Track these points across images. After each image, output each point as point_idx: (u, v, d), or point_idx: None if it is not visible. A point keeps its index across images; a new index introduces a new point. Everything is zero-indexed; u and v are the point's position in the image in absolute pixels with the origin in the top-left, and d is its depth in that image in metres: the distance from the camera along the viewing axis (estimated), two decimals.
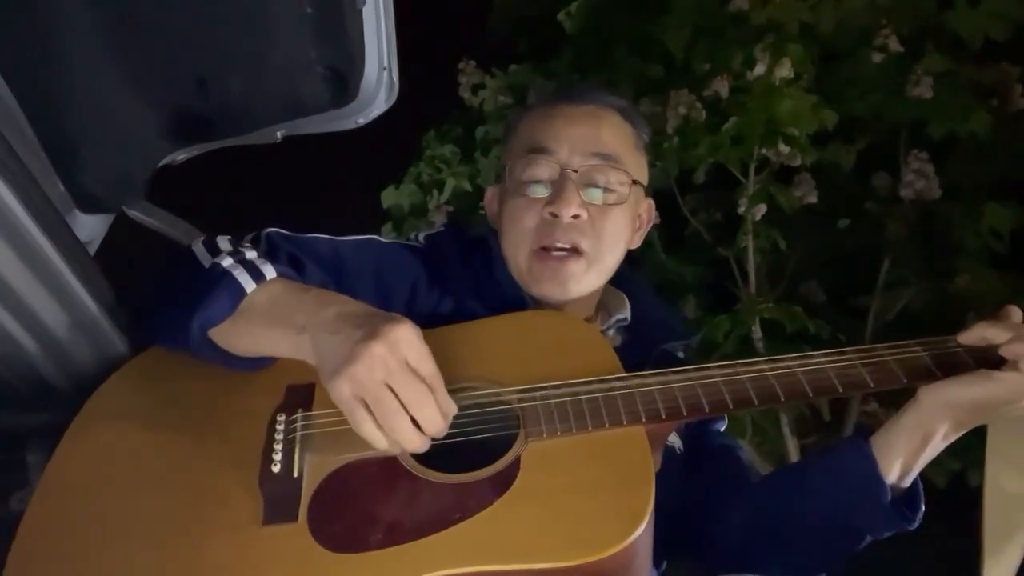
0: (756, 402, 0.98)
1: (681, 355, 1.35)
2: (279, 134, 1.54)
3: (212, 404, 1.02)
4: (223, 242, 1.06)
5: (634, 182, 1.22)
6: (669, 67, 3.30)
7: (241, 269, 0.97)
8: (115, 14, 1.26)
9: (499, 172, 1.28)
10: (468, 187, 3.69)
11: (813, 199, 3.07)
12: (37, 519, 0.92)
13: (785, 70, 2.82)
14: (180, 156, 1.55)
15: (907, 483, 1.05)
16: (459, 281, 1.20)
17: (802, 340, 2.82)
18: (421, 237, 1.27)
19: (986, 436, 1.09)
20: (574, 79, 3.38)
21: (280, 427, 0.97)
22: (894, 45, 2.99)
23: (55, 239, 1.07)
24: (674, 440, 1.20)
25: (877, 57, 3.01)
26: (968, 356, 1.00)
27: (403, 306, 1.15)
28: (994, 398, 0.96)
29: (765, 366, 1.00)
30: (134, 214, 1.48)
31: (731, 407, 0.98)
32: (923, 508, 1.05)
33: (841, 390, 0.98)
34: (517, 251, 1.21)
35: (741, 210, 3.02)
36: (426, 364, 0.87)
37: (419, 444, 0.87)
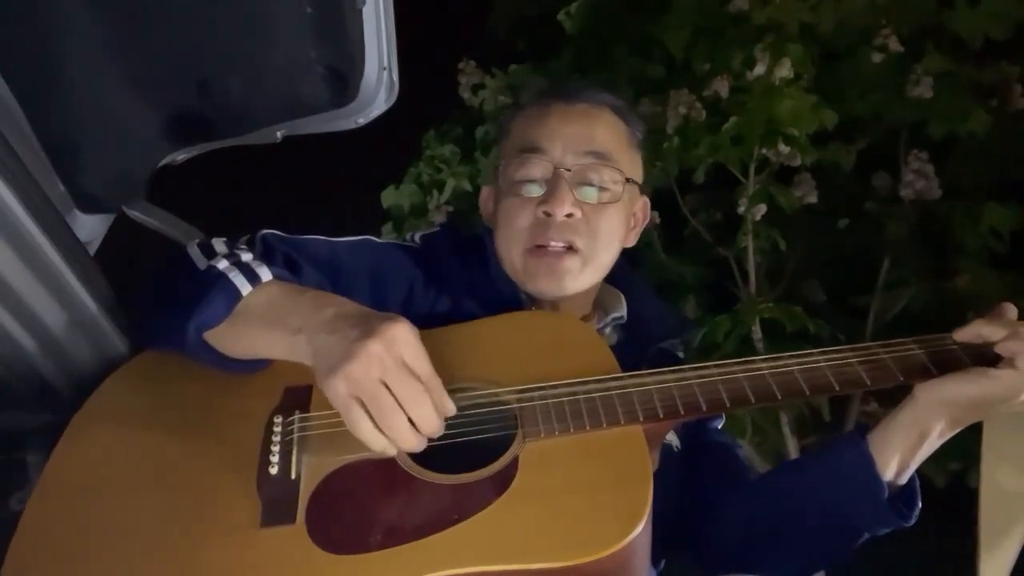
0: (753, 401, 0.98)
1: (681, 354, 1.36)
2: (279, 134, 1.54)
3: (209, 406, 1.02)
4: (218, 244, 1.06)
5: (628, 180, 1.22)
6: (669, 67, 3.30)
7: (236, 271, 0.97)
8: (115, 14, 1.26)
9: (493, 172, 1.28)
10: (468, 187, 3.69)
11: (813, 199, 3.08)
12: (34, 520, 0.92)
13: (785, 70, 2.82)
14: (180, 156, 1.55)
15: (904, 480, 1.05)
16: (455, 281, 1.20)
17: (802, 340, 2.82)
18: (417, 237, 1.27)
19: (982, 433, 1.09)
20: (573, 79, 3.38)
21: (277, 429, 0.97)
22: (894, 45, 2.99)
23: (55, 239, 1.07)
24: (672, 439, 1.20)
25: (877, 57, 3.02)
26: (964, 353, 1.00)
27: (400, 306, 1.15)
28: (990, 395, 0.97)
29: (762, 365, 1.00)
30: (134, 214, 1.49)
31: (728, 406, 0.98)
32: (920, 505, 1.05)
33: (838, 388, 0.99)
34: (511, 250, 1.21)
35: (741, 210, 3.02)
36: (422, 363, 0.87)
37: (415, 443, 0.87)
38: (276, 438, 0.96)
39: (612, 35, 3.46)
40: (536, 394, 0.98)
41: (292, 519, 0.89)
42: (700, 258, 3.46)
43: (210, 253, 1.03)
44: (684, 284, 3.44)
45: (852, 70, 3.11)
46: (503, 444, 0.95)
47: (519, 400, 0.98)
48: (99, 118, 1.36)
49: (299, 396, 1.00)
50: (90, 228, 1.48)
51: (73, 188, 1.41)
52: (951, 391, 0.98)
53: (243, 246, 1.08)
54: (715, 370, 1.00)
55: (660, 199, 3.26)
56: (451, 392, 0.92)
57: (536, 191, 1.19)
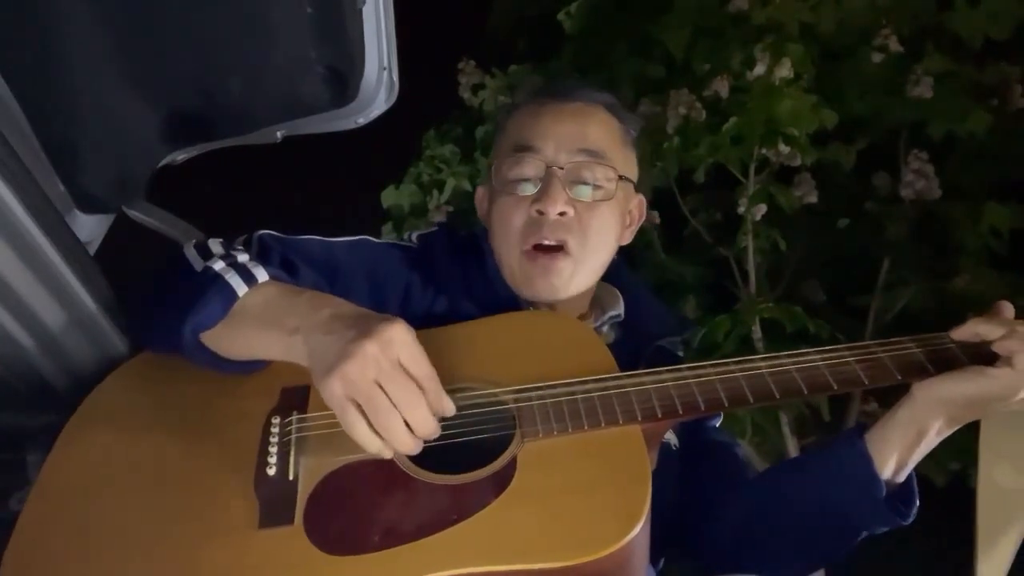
0: (752, 400, 0.98)
1: (680, 353, 1.36)
2: (279, 134, 1.54)
3: (207, 406, 1.02)
4: (215, 245, 1.06)
5: (621, 178, 1.22)
6: (669, 67, 3.31)
7: (233, 272, 0.97)
8: (115, 14, 1.26)
9: (488, 171, 1.28)
10: (468, 187, 3.69)
11: (813, 199, 3.08)
12: (32, 521, 0.92)
13: (785, 70, 2.82)
14: (180, 156, 1.55)
15: (902, 478, 1.05)
16: (453, 281, 1.20)
17: (802, 340, 2.82)
18: (414, 237, 1.27)
19: (980, 432, 1.09)
20: (573, 79, 3.38)
21: (275, 430, 0.97)
22: (894, 45, 2.99)
23: (55, 239, 1.07)
24: (670, 438, 1.20)
25: (877, 57, 3.02)
26: (961, 352, 1.00)
27: (397, 307, 1.15)
28: (987, 394, 0.97)
29: (760, 364, 1.01)
30: (134, 214, 1.49)
31: (727, 405, 0.98)
32: (917, 503, 1.05)
33: (836, 387, 0.99)
34: (509, 252, 1.21)
35: (741, 210, 3.02)
36: (419, 365, 0.87)
37: (410, 446, 0.87)
38: (274, 439, 0.96)
39: (612, 35, 3.46)
40: (534, 394, 0.98)
41: (290, 520, 0.89)
42: (700, 258, 3.46)
43: (206, 254, 1.03)
44: (684, 284, 3.44)
45: (852, 70, 3.11)
46: (501, 444, 0.95)
47: (517, 400, 0.98)
48: (99, 118, 1.36)
49: (297, 397, 1.00)
50: (90, 228, 1.48)
51: (73, 188, 1.41)
52: (949, 390, 0.98)
53: (239, 247, 1.08)
54: (713, 370, 1.00)
55: (660, 199, 3.27)
56: (449, 392, 0.92)
57: (530, 190, 1.19)
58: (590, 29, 3.51)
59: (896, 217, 3.12)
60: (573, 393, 0.98)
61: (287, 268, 1.06)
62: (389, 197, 3.93)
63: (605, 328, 1.29)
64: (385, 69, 1.45)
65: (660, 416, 0.96)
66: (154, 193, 1.53)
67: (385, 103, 1.51)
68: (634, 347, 1.23)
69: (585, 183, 1.19)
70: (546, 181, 1.18)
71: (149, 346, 1.10)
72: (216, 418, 1.01)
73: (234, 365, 1.01)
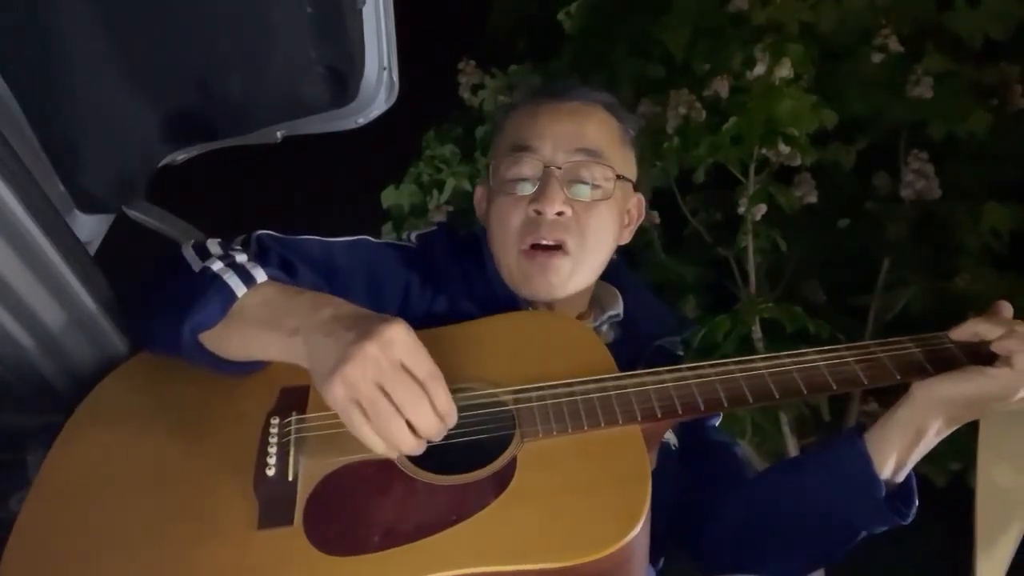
0: (751, 400, 0.98)
1: (680, 352, 1.36)
2: (279, 134, 1.54)
3: (206, 407, 1.02)
4: (213, 245, 1.06)
5: (619, 177, 1.22)
6: (669, 67, 3.30)
7: (231, 273, 0.97)
8: (115, 14, 1.26)
9: (486, 170, 1.28)
10: (468, 187, 3.70)
11: (813, 199, 3.08)
12: (31, 522, 0.92)
13: (785, 70, 2.83)
14: (180, 156, 1.55)
15: (901, 478, 1.05)
16: (452, 281, 1.20)
17: (802, 340, 2.82)
18: (413, 237, 1.27)
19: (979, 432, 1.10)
20: (572, 78, 3.39)
21: (274, 430, 0.97)
22: (894, 45, 3.00)
23: (55, 239, 1.07)
24: (670, 437, 1.20)
25: (877, 57, 3.02)
26: (960, 352, 1.00)
27: (396, 307, 1.15)
28: (986, 394, 0.97)
29: (760, 364, 1.01)
30: (134, 214, 1.49)
31: (726, 405, 0.98)
32: (917, 503, 1.06)
33: (835, 387, 0.99)
34: (506, 252, 1.21)
35: (741, 210, 3.02)
36: (420, 364, 0.87)
37: (414, 447, 0.87)
38: (273, 439, 0.96)
39: (612, 35, 3.46)
40: (534, 394, 0.98)
41: (290, 520, 0.89)
42: (700, 258, 3.46)
43: (205, 254, 1.03)
44: (684, 284, 3.44)
45: (852, 70, 3.11)
46: (501, 445, 0.95)
47: (517, 400, 0.98)
48: (99, 118, 1.36)
49: (296, 397, 1.00)
50: (90, 228, 1.48)
51: (73, 188, 1.41)
52: (948, 389, 0.98)
53: (238, 247, 1.07)
54: (713, 370, 1.01)
55: (660, 199, 3.27)
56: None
57: (528, 189, 1.19)
58: (590, 29, 3.51)
59: (896, 217, 3.12)
60: (573, 393, 0.98)
61: (286, 268, 1.06)
62: (389, 197, 3.93)
63: (604, 328, 1.29)
64: (385, 69, 1.45)
65: (660, 416, 0.96)
66: (154, 193, 1.53)
67: (385, 103, 1.51)
68: (634, 347, 1.23)
69: (583, 183, 1.19)
70: (544, 181, 1.18)
71: (148, 346, 1.10)
72: (215, 418, 1.01)
73: (233, 366, 1.00)
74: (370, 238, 1.24)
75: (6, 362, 1.15)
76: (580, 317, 1.27)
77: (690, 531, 1.20)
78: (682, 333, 1.35)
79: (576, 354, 1.05)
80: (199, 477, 0.95)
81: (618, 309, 1.31)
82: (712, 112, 2.95)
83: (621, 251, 1.30)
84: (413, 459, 0.92)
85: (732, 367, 1.00)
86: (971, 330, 1.00)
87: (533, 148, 1.19)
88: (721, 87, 2.92)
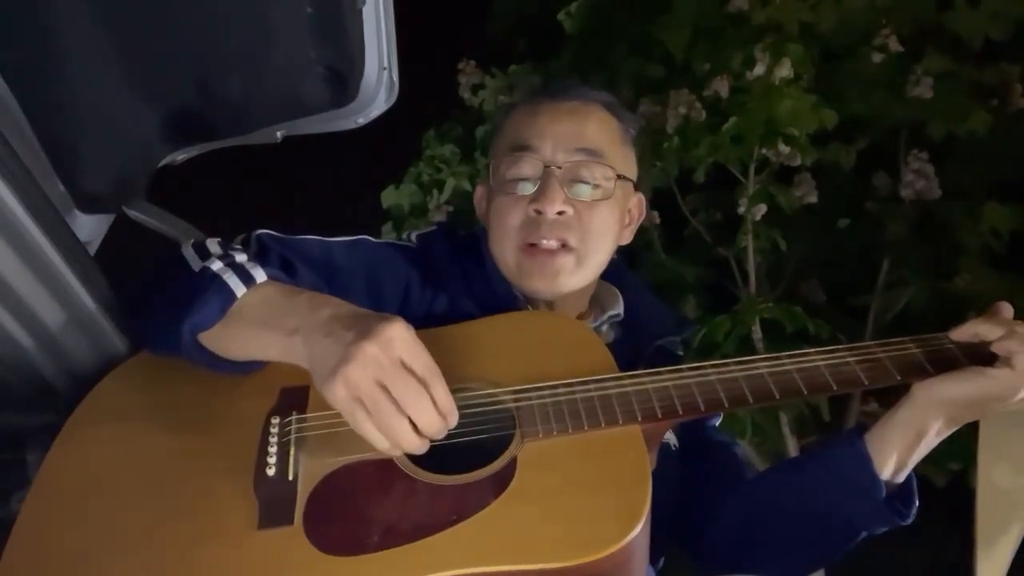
0: (751, 401, 0.98)
1: (680, 352, 1.36)
2: (279, 134, 1.55)
3: (205, 407, 1.02)
4: (213, 245, 1.06)
5: (620, 177, 1.21)
6: (669, 67, 3.30)
7: (231, 272, 0.97)
8: (115, 14, 1.26)
9: (486, 170, 1.28)
10: (468, 187, 3.70)
11: (813, 199, 3.08)
12: (30, 521, 0.92)
13: (785, 70, 2.83)
14: (180, 156, 1.56)
15: (902, 479, 1.05)
16: (452, 280, 1.20)
17: (802, 340, 2.82)
18: (413, 236, 1.27)
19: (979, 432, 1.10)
20: (572, 79, 3.39)
21: (274, 430, 0.96)
22: (894, 45, 3.00)
23: (55, 239, 1.07)
24: (670, 438, 1.20)
25: (877, 57, 3.02)
26: (960, 353, 1.00)
27: (396, 306, 1.15)
28: (987, 394, 0.97)
29: (760, 364, 1.01)
30: (134, 214, 1.49)
31: (727, 406, 0.98)
32: (917, 503, 1.06)
33: (835, 387, 0.99)
34: (503, 248, 1.20)
35: (741, 210, 3.02)
36: (420, 363, 0.87)
37: (417, 445, 0.87)
38: (273, 439, 0.95)
39: (612, 35, 3.46)
40: (534, 394, 0.98)
41: (290, 520, 0.89)
42: (700, 258, 3.46)
43: (204, 254, 1.03)
44: (684, 284, 3.44)
45: (852, 70, 3.11)
46: (501, 445, 0.95)
47: (517, 400, 0.98)
48: (99, 118, 1.36)
49: (296, 397, 1.00)
50: (90, 228, 1.48)
51: (73, 188, 1.41)
52: (948, 390, 0.98)
53: (238, 246, 1.07)
54: (713, 370, 1.01)
55: (660, 199, 3.27)
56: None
57: (528, 189, 1.19)
58: (590, 29, 3.51)
59: (896, 217, 3.12)
60: (573, 393, 0.98)
61: (286, 268, 1.06)
62: (389, 197, 3.93)
63: (605, 327, 1.29)
64: (385, 69, 1.45)
65: (660, 416, 0.96)
66: (154, 193, 1.53)
67: (385, 103, 1.51)
68: (634, 347, 1.23)
69: (583, 182, 1.19)
70: (544, 181, 1.17)
71: (148, 346, 1.10)
72: (215, 418, 1.01)
73: (233, 365, 1.00)
74: (370, 238, 1.24)
75: (6, 362, 1.15)
76: (580, 317, 1.27)
77: (690, 531, 1.20)
78: (682, 333, 1.35)
79: (576, 354, 1.05)
80: (199, 477, 0.95)
81: (618, 309, 1.31)
82: (712, 112, 2.95)
83: (621, 251, 1.30)
84: (413, 459, 0.92)
85: (732, 367, 1.00)
86: (971, 331, 1.00)
87: (533, 148, 1.19)
88: (721, 87, 2.92)
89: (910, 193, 2.99)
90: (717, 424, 1.33)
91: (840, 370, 1.00)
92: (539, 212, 1.17)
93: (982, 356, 0.99)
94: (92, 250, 1.48)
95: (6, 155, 1.00)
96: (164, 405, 1.03)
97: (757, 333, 3.00)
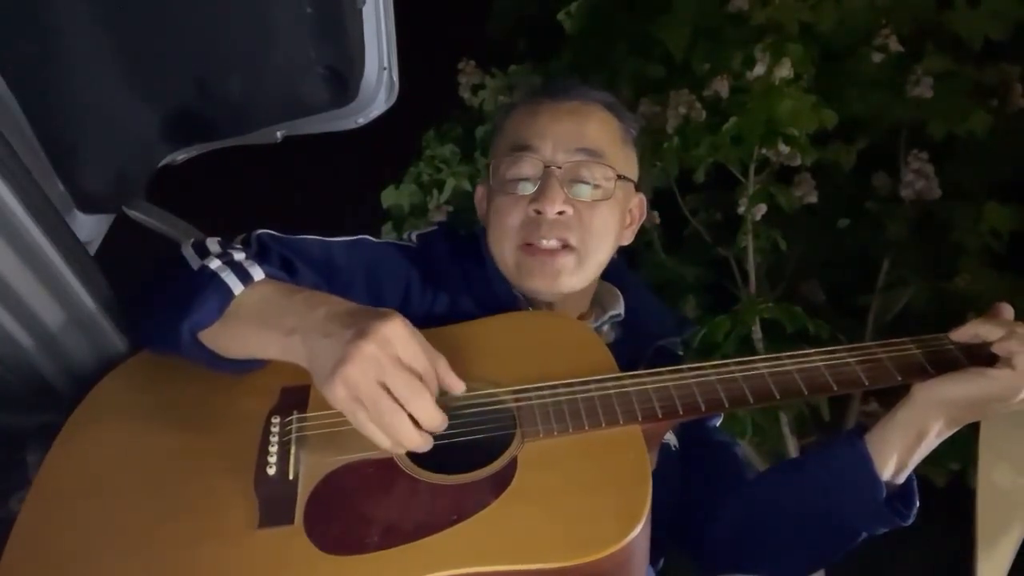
0: (752, 401, 0.98)
1: (680, 352, 1.36)
2: (279, 134, 1.54)
3: (205, 406, 1.02)
4: (212, 244, 1.06)
5: (620, 177, 1.21)
6: (669, 67, 3.30)
7: (229, 271, 0.97)
8: (115, 14, 1.26)
9: (486, 170, 1.27)
10: (468, 187, 3.69)
11: (813, 199, 3.08)
12: (30, 521, 0.92)
13: (785, 70, 2.82)
14: (180, 156, 1.55)
15: (902, 479, 1.05)
16: (453, 280, 1.20)
17: (802, 340, 2.82)
18: (414, 236, 1.27)
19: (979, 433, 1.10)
20: (572, 79, 3.38)
21: (275, 429, 0.97)
22: (894, 45, 2.99)
23: (55, 239, 1.07)
24: (670, 438, 1.20)
25: (877, 57, 3.02)
26: (961, 353, 1.00)
27: (396, 306, 1.13)
28: (987, 395, 0.97)
29: (760, 365, 1.01)
30: (134, 214, 1.49)
31: (727, 406, 0.98)
32: (917, 504, 1.06)
33: (836, 388, 0.99)
34: (503, 248, 1.20)
35: (741, 210, 3.02)
36: (419, 358, 0.87)
37: (419, 442, 0.87)
38: (274, 438, 0.96)
39: (612, 35, 3.46)
40: (534, 394, 0.98)
41: (291, 519, 0.89)
42: (700, 258, 3.46)
43: (203, 253, 1.03)
44: (684, 284, 3.44)
45: (852, 70, 3.11)
46: (502, 444, 0.95)
47: (517, 400, 0.98)
48: (99, 118, 1.36)
49: (296, 396, 1.00)
50: (90, 228, 1.48)
51: (73, 188, 1.41)
52: (948, 391, 0.98)
53: (238, 245, 1.07)
54: (713, 370, 1.01)
55: (660, 199, 3.27)
56: (449, 392, 0.92)
57: (528, 189, 1.19)
58: (590, 29, 3.51)
59: (896, 217, 3.12)
60: (573, 393, 0.98)
61: (286, 267, 1.06)
62: (389, 197, 3.93)
63: (605, 328, 1.29)
64: (385, 69, 1.45)
65: (660, 416, 0.96)
66: (154, 193, 1.53)
67: (385, 103, 1.51)
68: (634, 347, 1.23)
69: (584, 182, 1.19)
70: (544, 181, 1.17)
71: (147, 345, 1.10)
72: (215, 417, 1.01)
73: (232, 364, 1.00)
74: (370, 238, 1.24)
75: (6, 362, 1.15)
76: (581, 317, 1.27)
77: (690, 531, 1.20)
78: (682, 334, 1.35)
79: (577, 354, 1.05)
80: (199, 476, 0.95)
81: (619, 309, 1.30)
82: (712, 112, 2.94)
83: (621, 251, 1.30)
84: (414, 458, 0.92)
85: (733, 368, 1.00)
86: (972, 331, 1.00)
87: (533, 148, 1.19)
88: (721, 87, 2.92)
89: (910, 193, 2.99)
90: (717, 424, 1.33)
91: (840, 370, 1.00)
92: (539, 212, 1.17)
93: (983, 357, 0.99)
94: (92, 250, 1.48)
95: (6, 155, 1.00)
96: (164, 404, 1.04)
97: (757, 333, 3.00)
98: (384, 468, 0.92)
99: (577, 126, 1.20)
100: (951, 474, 2.97)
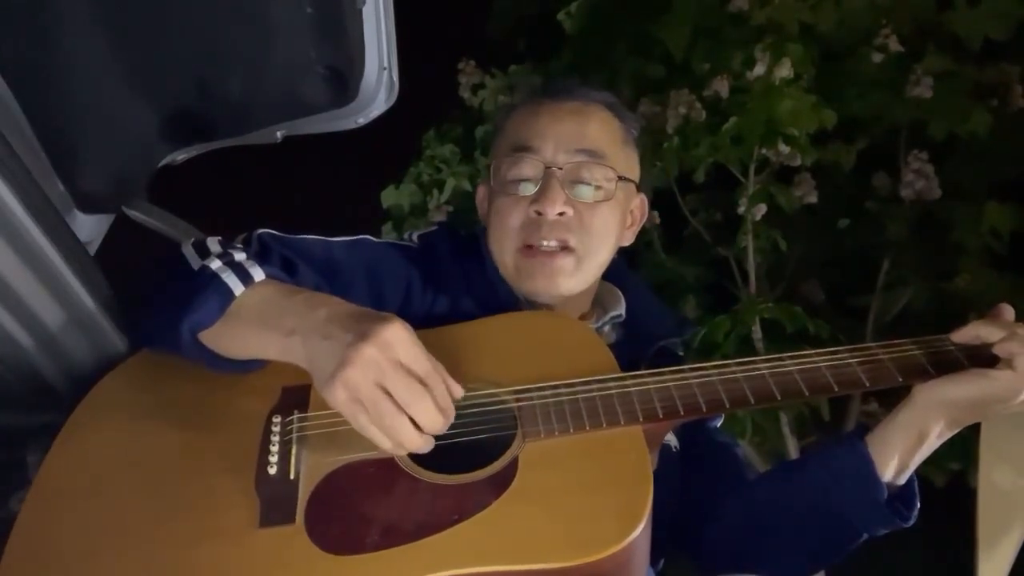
0: (753, 401, 0.98)
1: (681, 353, 1.36)
2: (279, 134, 1.54)
3: (206, 406, 1.02)
4: (213, 244, 1.06)
5: (621, 178, 1.21)
6: (669, 67, 3.30)
7: (229, 271, 0.97)
8: (115, 14, 1.26)
9: (487, 170, 1.27)
10: (468, 187, 3.70)
11: (813, 199, 3.08)
12: (30, 521, 0.92)
13: (785, 70, 2.82)
14: (180, 156, 1.55)
15: (902, 480, 1.05)
16: (453, 280, 1.20)
17: (802, 340, 2.82)
18: (415, 236, 1.27)
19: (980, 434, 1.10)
20: (572, 79, 3.38)
21: (276, 429, 0.97)
22: (894, 45, 3.00)
23: (55, 239, 1.07)
24: (671, 439, 1.20)
25: (877, 57, 3.02)
26: (962, 354, 1.00)
27: (397, 306, 1.14)
28: (988, 396, 0.97)
29: (761, 365, 1.01)
30: (134, 214, 1.49)
31: (728, 406, 0.98)
32: (918, 505, 1.05)
33: (837, 389, 0.99)
34: (503, 249, 1.20)
35: (741, 210, 3.02)
36: (420, 362, 0.87)
37: (421, 444, 0.87)
38: (275, 438, 0.96)
39: (612, 35, 3.46)
40: (535, 394, 0.98)
41: (291, 519, 0.89)
42: (700, 258, 3.46)
43: (204, 252, 1.03)
44: (684, 284, 3.44)
45: (852, 70, 3.11)
46: (503, 445, 0.95)
47: (518, 400, 0.98)
48: (99, 118, 1.36)
49: (297, 396, 1.00)
50: (90, 228, 1.48)
51: (73, 188, 1.41)
52: (949, 392, 0.98)
53: (238, 245, 1.07)
54: (714, 371, 1.00)
55: (660, 199, 3.27)
56: None
57: (529, 190, 1.19)
58: (590, 29, 3.51)
59: (896, 217, 3.12)
60: (574, 393, 0.98)
61: (287, 267, 1.06)
62: (389, 197, 3.93)
63: (606, 328, 1.29)
64: (385, 69, 1.45)
65: (661, 417, 0.96)
66: (154, 193, 1.53)
67: (385, 103, 1.51)
68: (635, 347, 1.23)
69: (584, 183, 1.18)
70: (545, 181, 1.17)
71: (147, 344, 1.10)
72: (216, 417, 1.01)
73: (233, 364, 1.00)
74: (371, 238, 1.24)
75: (6, 362, 1.15)
76: (582, 317, 1.27)
77: (690, 532, 1.19)
78: (683, 334, 1.35)
79: (578, 354, 1.05)
80: (200, 475, 0.95)
81: (620, 310, 1.30)
82: (712, 112, 2.95)
83: (622, 251, 1.30)
84: (415, 458, 0.92)
85: (734, 368, 1.00)
86: (973, 333, 1.00)
87: (534, 148, 1.19)
88: (721, 87, 2.92)
89: (910, 193, 2.99)
90: (718, 425, 1.33)
91: (841, 371, 1.00)
92: (540, 213, 1.17)
93: (983, 358, 0.99)
94: (92, 250, 1.48)
95: (6, 155, 0.99)
96: (165, 403, 1.03)
97: (757, 333, 3.00)
98: (385, 468, 0.92)
99: (578, 127, 1.20)
100: (951, 474, 2.97)
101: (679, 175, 3.18)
